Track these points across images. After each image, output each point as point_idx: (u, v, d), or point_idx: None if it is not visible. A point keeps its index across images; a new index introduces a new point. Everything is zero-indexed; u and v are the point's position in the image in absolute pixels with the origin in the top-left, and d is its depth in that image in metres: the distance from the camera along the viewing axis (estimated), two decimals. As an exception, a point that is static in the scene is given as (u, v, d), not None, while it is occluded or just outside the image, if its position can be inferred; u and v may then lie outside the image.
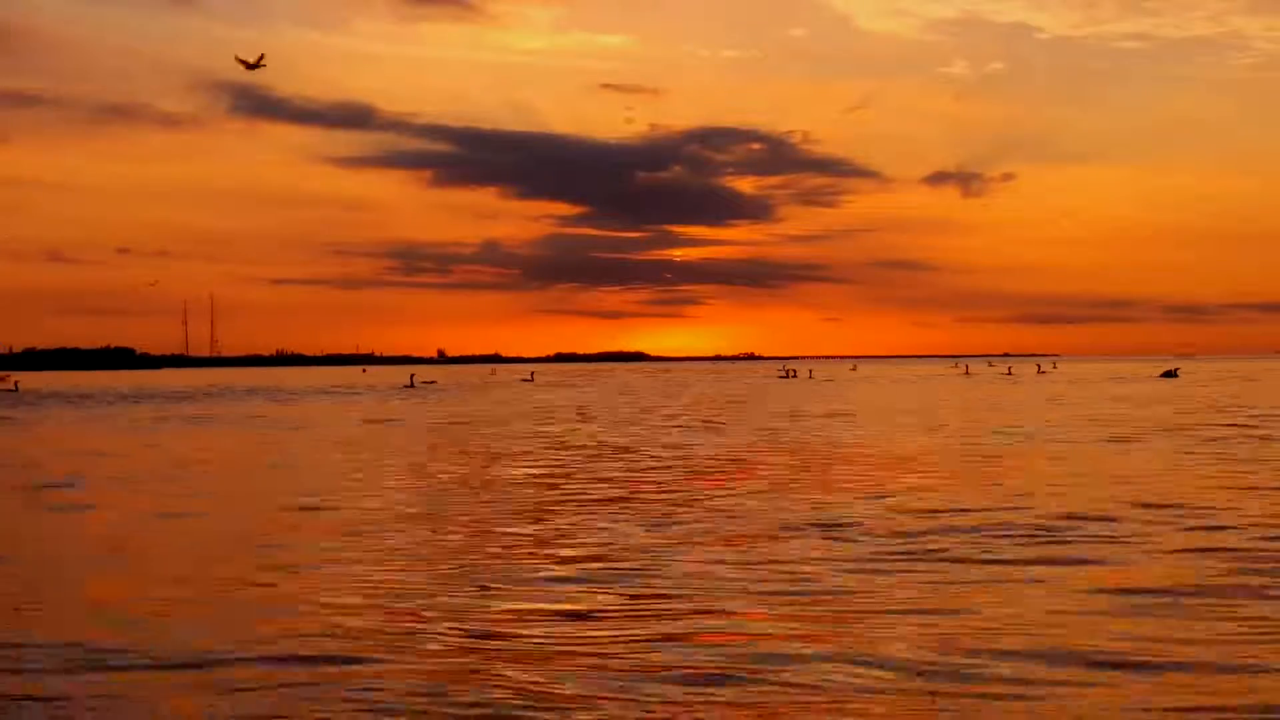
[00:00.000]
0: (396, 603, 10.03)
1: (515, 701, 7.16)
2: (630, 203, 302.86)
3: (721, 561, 11.76)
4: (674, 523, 14.50)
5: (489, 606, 9.84)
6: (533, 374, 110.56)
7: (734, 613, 9.52)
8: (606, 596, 10.20)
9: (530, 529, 14.32)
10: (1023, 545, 12.46)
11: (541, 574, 11.27)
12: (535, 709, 7.03)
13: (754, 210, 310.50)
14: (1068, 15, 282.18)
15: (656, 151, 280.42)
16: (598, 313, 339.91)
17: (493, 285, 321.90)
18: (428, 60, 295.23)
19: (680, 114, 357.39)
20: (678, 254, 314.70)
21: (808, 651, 8.19)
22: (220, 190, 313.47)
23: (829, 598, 9.98)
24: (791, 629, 8.90)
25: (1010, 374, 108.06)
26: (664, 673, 7.71)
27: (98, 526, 15.39)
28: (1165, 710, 6.87)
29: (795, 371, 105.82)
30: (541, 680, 7.58)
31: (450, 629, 9.07)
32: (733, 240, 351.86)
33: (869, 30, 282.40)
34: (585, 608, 9.74)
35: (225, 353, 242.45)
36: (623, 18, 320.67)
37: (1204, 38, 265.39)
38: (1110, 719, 6.78)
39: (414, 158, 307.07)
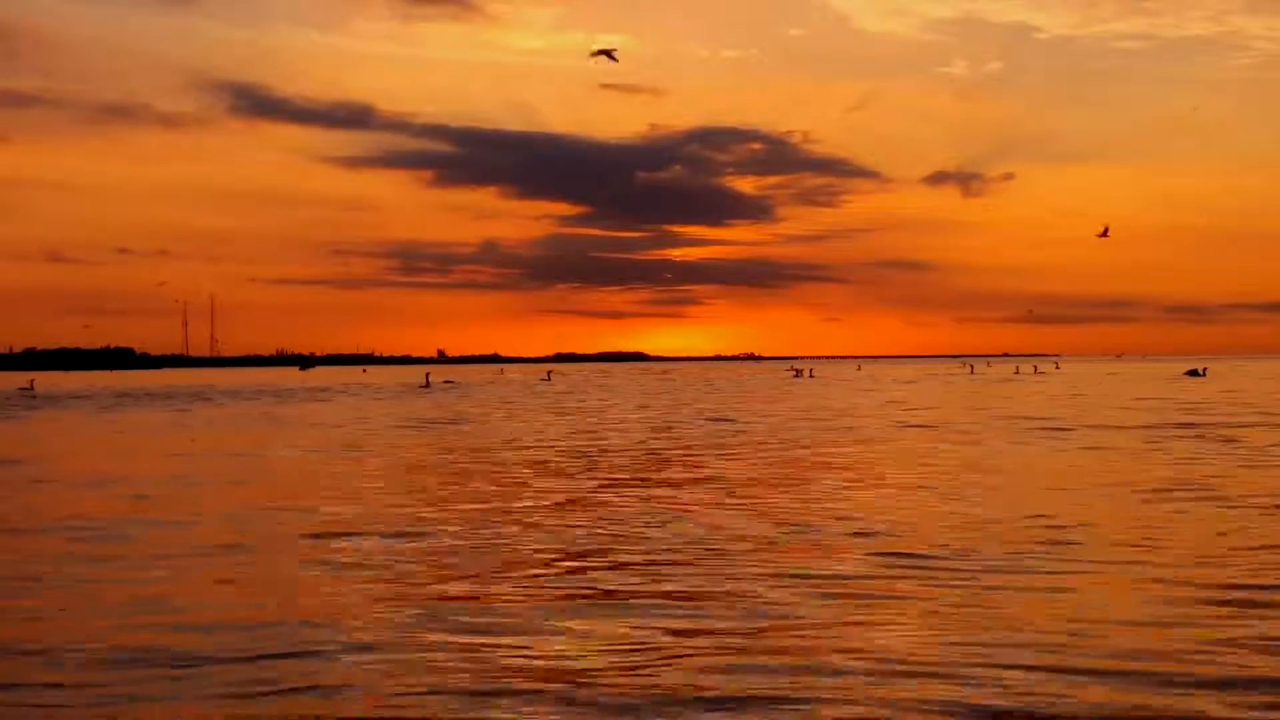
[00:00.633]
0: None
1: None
2: (630, 203, 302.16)
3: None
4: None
5: None
6: (549, 373, 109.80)
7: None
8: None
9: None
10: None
11: None
12: None
13: (754, 210, 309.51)
14: (1067, 15, 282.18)
15: (656, 151, 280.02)
16: (598, 313, 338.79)
17: (493, 285, 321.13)
18: (427, 60, 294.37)
19: (680, 114, 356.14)
20: (678, 254, 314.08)
21: None
22: (220, 190, 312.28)
23: None
24: None
25: (1018, 374, 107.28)
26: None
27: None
28: None
29: (811, 371, 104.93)
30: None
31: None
32: (733, 240, 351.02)
33: (868, 30, 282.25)
34: None
35: (225, 353, 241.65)
36: (623, 18, 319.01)
37: (1204, 37, 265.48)
38: None
39: (414, 158, 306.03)
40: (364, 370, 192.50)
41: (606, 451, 24.75)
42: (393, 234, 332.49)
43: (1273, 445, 24.18)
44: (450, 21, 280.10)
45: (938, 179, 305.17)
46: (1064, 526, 13.12)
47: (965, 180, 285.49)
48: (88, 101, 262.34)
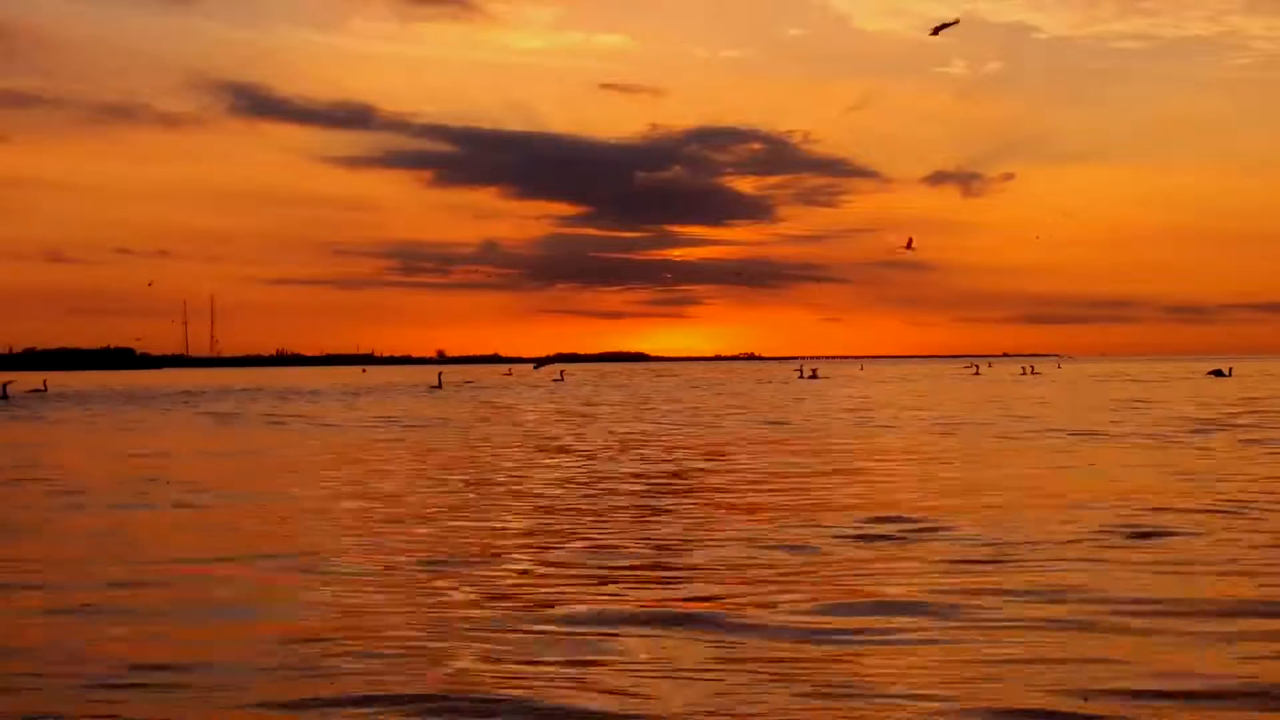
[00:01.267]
0: None
1: None
2: (630, 203, 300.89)
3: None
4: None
5: None
6: (562, 373, 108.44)
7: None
8: None
9: None
10: None
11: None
12: None
13: (754, 210, 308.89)
14: (1066, 15, 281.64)
15: (656, 151, 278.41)
16: (598, 313, 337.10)
17: (493, 285, 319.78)
18: (427, 60, 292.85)
19: (680, 114, 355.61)
20: (677, 254, 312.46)
21: None
22: (220, 190, 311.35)
23: None
24: None
25: (1025, 373, 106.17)
26: None
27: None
28: None
29: (815, 371, 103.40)
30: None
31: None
32: (733, 240, 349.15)
33: (868, 30, 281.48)
34: None
35: (225, 353, 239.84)
36: (622, 17, 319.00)
37: (1203, 37, 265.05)
38: None
39: (414, 158, 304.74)
40: (363, 370, 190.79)
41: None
42: (393, 234, 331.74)
43: None
44: (450, 21, 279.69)
45: (938, 179, 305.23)
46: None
47: (965, 180, 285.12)
48: (88, 101, 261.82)
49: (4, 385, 69.05)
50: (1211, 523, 12.92)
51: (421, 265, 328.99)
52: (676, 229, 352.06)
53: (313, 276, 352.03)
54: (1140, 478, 17.82)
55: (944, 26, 35.65)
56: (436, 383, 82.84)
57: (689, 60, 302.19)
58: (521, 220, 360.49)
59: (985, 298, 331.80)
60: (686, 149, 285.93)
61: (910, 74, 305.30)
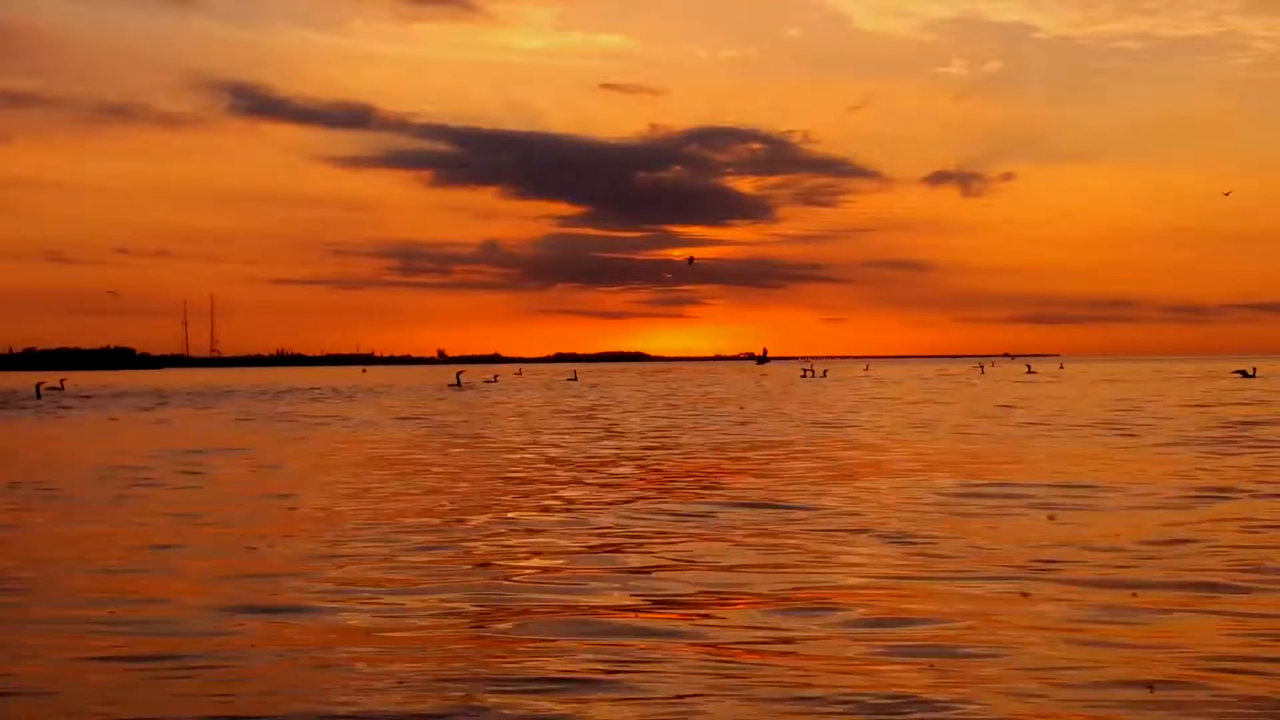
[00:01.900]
0: None
1: None
2: (630, 203, 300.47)
3: None
4: None
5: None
6: (575, 373, 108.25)
7: None
8: None
9: None
10: None
11: None
12: None
13: (754, 210, 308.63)
14: (1065, 15, 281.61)
15: (656, 151, 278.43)
16: (598, 313, 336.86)
17: (493, 285, 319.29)
18: (427, 60, 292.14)
19: (680, 114, 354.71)
20: (678, 254, 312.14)
21: None
22: (220, 190, 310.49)
23: None
24: None
25: (1030, 372, 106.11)
26: None
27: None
28: None
29: (825, 371, 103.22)
30: None
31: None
32: (733, 240, 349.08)
33: (867, 30, 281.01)
34: None
35: (225, 353, 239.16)
36: (622, 17, 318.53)
37: (1202, 37, 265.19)
38: None
39: (414, 158, 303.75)
40: (363, 370, 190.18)
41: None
42: (393, 234, 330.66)
43: None
44: (450, 21, 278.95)
45: (938, 179, 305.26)
46: None
47: (965, 180, 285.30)
48: (88, 101, 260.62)
49: (38, 385, 70.28)
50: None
51: (421, 265, 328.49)
52: (676, 229, 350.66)
53: (312, 276, 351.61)
54: None
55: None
56: (455, 382, 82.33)
57: (689, 60, 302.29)
58: (521, 220, 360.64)
59: (985, 298, 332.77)
60: (686, 149, 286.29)
61: (910, 74, 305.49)
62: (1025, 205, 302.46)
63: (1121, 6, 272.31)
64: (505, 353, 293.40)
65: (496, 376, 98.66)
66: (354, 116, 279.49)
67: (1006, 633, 7.96)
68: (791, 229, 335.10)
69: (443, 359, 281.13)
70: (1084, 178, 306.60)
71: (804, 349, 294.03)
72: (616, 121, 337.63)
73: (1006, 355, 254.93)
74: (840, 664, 7.29)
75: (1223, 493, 15.50)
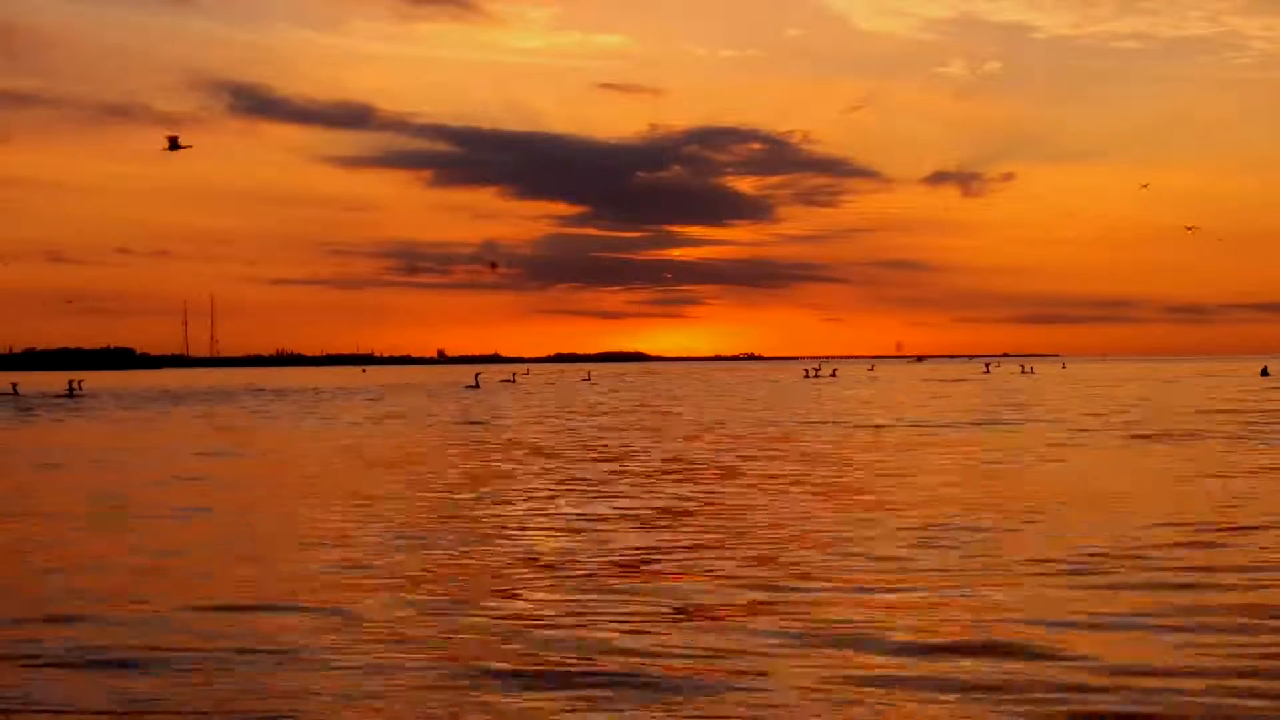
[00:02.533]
0: None
1: None
2: (630, 203, 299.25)
3: None
4: None
5: None
6: (589, 374, 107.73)
7: None
8: None
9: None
10: None
11: None
12: None
13: (754, 210, 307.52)
14: (1064, 15, 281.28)
15: (656, 151, 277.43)
16: (598, 313, 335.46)
17: (493, 285, 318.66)
18: (426, 60, 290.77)
19: (680, 114, 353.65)
20: (677, 254, 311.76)
21: None
22: (220, 190, 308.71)
23: None
24: None
25: (1029, 372, 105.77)
26: None
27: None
28: None
29: (834, 371, 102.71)
30: None
31: None
32: (733, 240, 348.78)
33: (867, 30, 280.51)
34: None
35: (225, 353, 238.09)
36: (621, 17, 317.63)
37: (1202, 37, 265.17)
38: None
39: (413, 158, 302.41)
40: (363, 370, 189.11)
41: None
42: (392, 234, 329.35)
43: None
44: (449, 21, 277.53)
45: (938, 179, 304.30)
46: None
47: (965, 180, 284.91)
48: (88, 101, 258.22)
49: (70, 383, 70.65)
50: None
51: (421, 265, 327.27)
52: (676, 229, 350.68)
53: (312, 276, 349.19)
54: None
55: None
56: (474, 383, 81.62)
57: (688, 60, 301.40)
58: (521, 220, 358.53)
59: (985, 298, 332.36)
60: (686, 149, 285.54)
61: (910, 74, 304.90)
62: (1025, 205, 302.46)
63: (1121, 6, 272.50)
64: (505, 353, 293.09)
65: (515, 376, 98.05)
66: (354, 116, 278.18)
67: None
68: (791, 229, 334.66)
69: (443, 359, 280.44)
70: (1084, 178, 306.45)
71: (803, 349, 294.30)
72: (616, 121, 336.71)
73: (1006, 355, 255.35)
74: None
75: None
